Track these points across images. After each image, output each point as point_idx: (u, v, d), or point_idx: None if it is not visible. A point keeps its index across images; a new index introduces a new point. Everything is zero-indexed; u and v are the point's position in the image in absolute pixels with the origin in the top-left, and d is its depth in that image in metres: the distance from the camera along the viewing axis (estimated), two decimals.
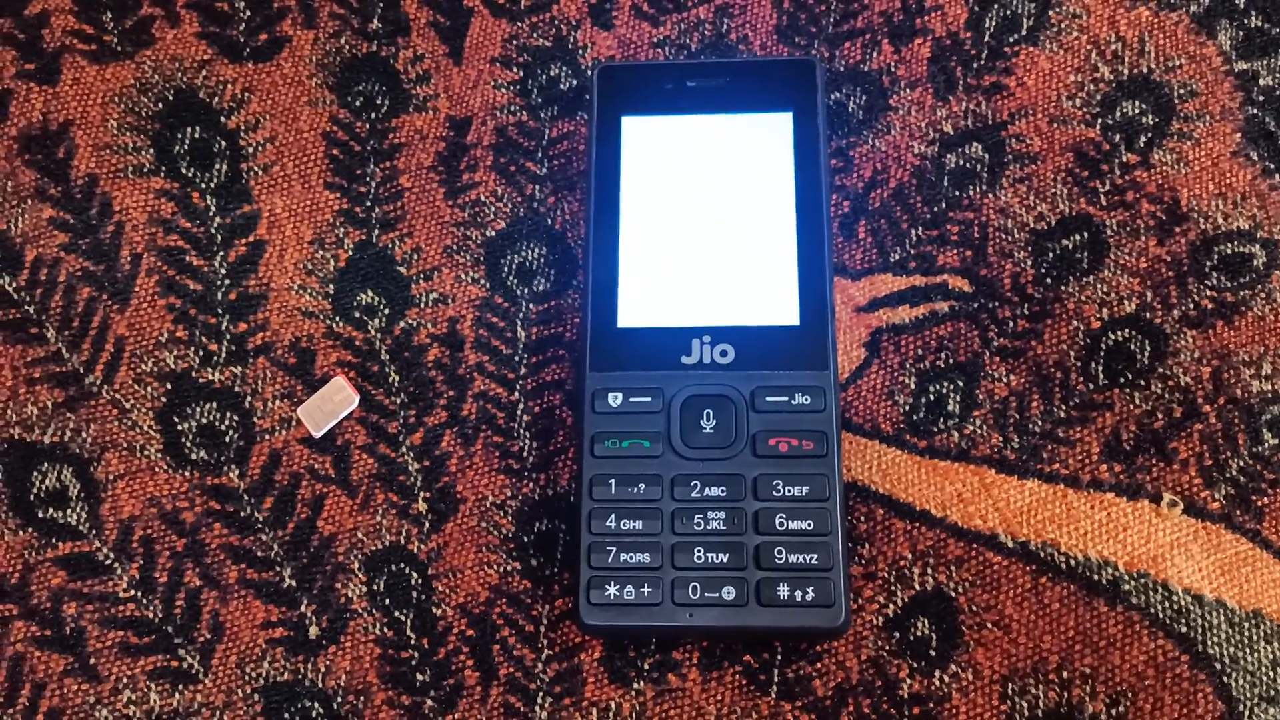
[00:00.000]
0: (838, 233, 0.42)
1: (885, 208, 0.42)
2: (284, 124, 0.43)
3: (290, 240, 0.42)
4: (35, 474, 0.39)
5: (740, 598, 0.35)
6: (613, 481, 0.36)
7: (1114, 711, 0.35)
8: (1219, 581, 0.36)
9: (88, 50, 0.44)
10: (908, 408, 0.39)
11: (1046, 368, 0.39)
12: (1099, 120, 0.42)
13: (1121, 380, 0.39)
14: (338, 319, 0.41)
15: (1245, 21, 0.44)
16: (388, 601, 0.38)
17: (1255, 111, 0.43)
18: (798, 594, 0.34)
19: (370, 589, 0.38)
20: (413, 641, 0.37)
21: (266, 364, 0.40)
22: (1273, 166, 0.42)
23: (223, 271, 0.41)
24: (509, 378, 0.40)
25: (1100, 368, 0.39)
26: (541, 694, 0.36)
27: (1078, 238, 0.41)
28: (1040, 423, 0.39)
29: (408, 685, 0.37)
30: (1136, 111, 0.43)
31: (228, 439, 0.39)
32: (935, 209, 0.42)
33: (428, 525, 0.38)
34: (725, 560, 0.35)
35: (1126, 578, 0.36)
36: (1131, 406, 0.39)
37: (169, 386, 0.40)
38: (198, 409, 0.40)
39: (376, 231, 0.42)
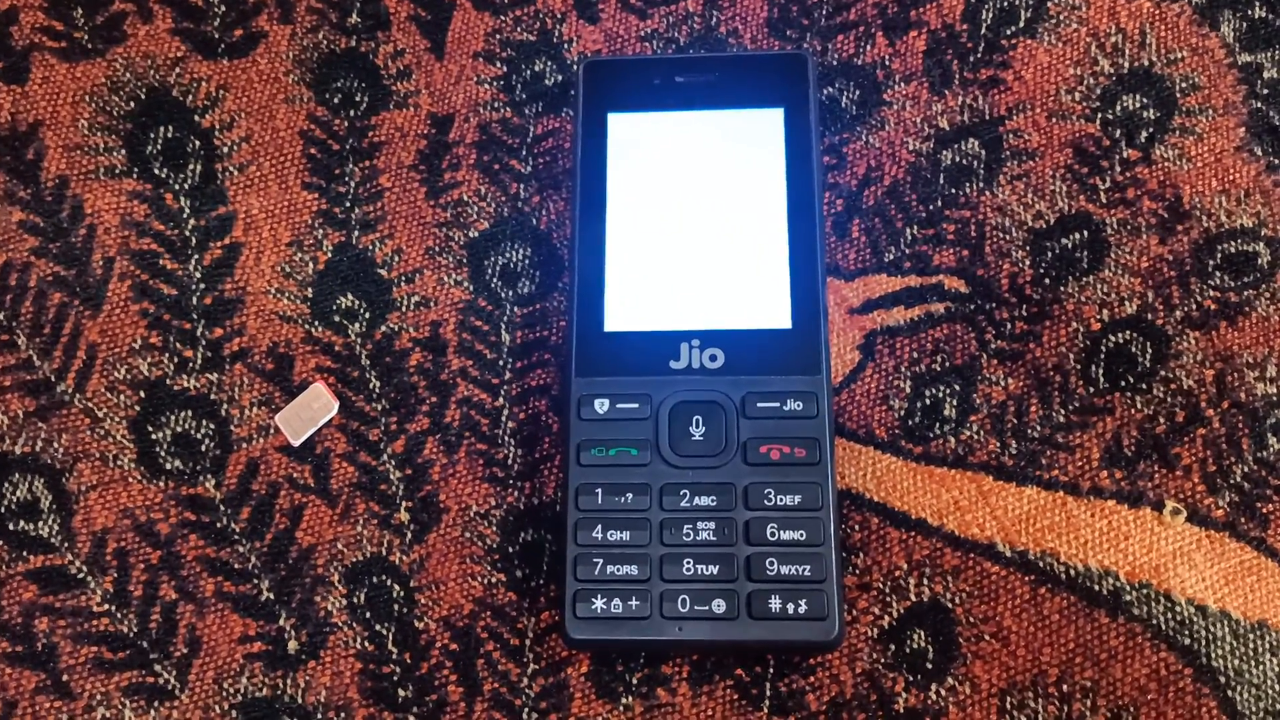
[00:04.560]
0: (831, 232, 0.40)
1: (879, 206, 0.41)
2: (260, 122, 0.42)
3: (267, 242, 0.41)
4: (6, 485, 0.38)
5: (731, 611, 0.34)
6: (599, 491, 0.35)
7: None
8: (1223, 591, 0.35)
9: (57, 48, 0.43)
10: (903, 412, 0.38)
11: (1045, 371, 0.38)
12: (1099, 115, 0.41)
13: (1122, 384, 0.38)
14: (317, 323, 0.40)
15: (1249, 12, 0.43)
16: (369, 615, 0.36)
17: (1259, 105, 0.42)
18: (790, 607, 0.33)
19: (351, 602, 0.37)
20: (394, 656, 0.36)
21: (243, 370, 0.39)
22: (1277, 162, 0.41)
23: (197, 275, 0.40)
24: (493, 383, 0.39)
25: (1100, 371, 0.38)
26: (527, 710, 0.35)
27: (1077, 236, 0.40)
28: (1039, 428, 0.38)
29: (389, 701, 0.36)
30: (1137, 106, 0.41)
31: (203, 448, 0.38)
32: (931, 207, 0.40)
33: (410, 536, 0.37)
34: (715, 572, 0.34)
35: (1128, 588, 0.35)
36: (1133, 411, 0.38)
37: (143, 394, 0.39)
38: (172, 417, 0.39)
39: (356, 233, 0.41)
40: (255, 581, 0.37)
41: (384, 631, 0.36)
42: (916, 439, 0.38)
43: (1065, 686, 0.34)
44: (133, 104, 0.42)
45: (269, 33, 0.43)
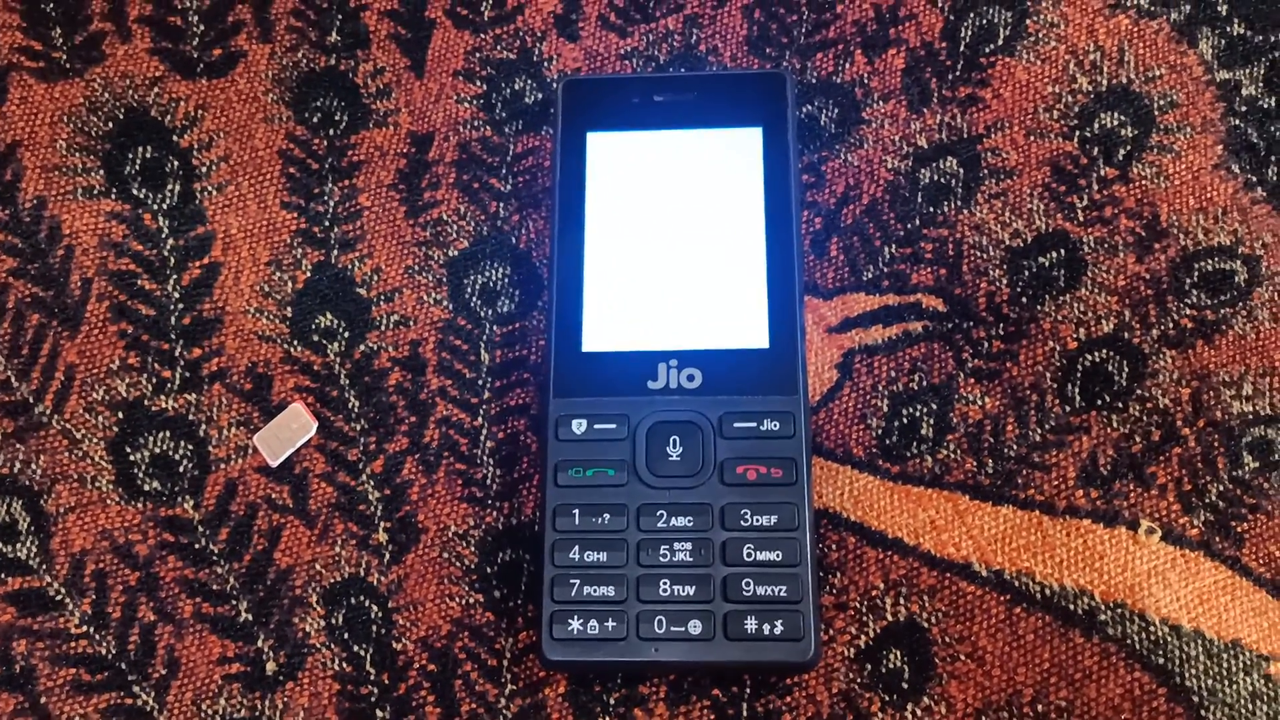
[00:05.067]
0: (809, 251, 0.41)
1: (858, 224, 0.41)
2: (239, 142, 0.42)
3: (246, 262, 0.41)
4: None
5: (707, 632, 0.34)
6: (576, 512, 0.35)
7: None
8: (1197, 611, 0.35)
9: (35, 68, 0.43)
10: (880, 431, 0.38)
11: (1022, 390, 0.38)
12: (1077, 133, 0.41)
13: (1099, 402, 0.38)
14: (296, 343, 0.40)
15: (1227, 29, 0.43)
16: (347, 636, 0.37)
17: (1237, 122, 0.42)
18: (766, 627, 0.34)
19: (329, 623, 0.37)
20: (372, 677, 0.36)
21: (222, 390, 0.39)
22: (1255, 179, 0.41)
23: (176, 295, 0.40)
24: (472, 403, 0.39)
25: (1077, 390, 0.38)
26: None
27: (1054, 255, 0.40)
28: (1015, 447, 0.38)
29: None
30: (1115, 123, 0.42)
31: (182, 469, 0.38)
32: (909, 226, 0.41)
33: (388, 556, 0.37)
34: (692, 593, 0.34)
35: (1103, 608, 0.35)
36: (1109, 430, 0.38)
37: (121, 415, 0.39)
38: (151, 438, 0.39)
39: (335, 252, 0.41)
40: (234, 602, 0.37)
41: (362, 652, 0.36)
42: (894, 458, 0.38)
43: (1040, 706, 0.35)
44: (111, 124, 0.42)
45: (248, 52, 0.43)
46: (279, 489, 0.38)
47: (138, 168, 0.42)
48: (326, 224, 0.41)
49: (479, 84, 0.43)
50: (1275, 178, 0.41)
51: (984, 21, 0.43)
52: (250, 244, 0.41)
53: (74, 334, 0.40)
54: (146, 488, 0.38)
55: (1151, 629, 0.35)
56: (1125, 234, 0.40)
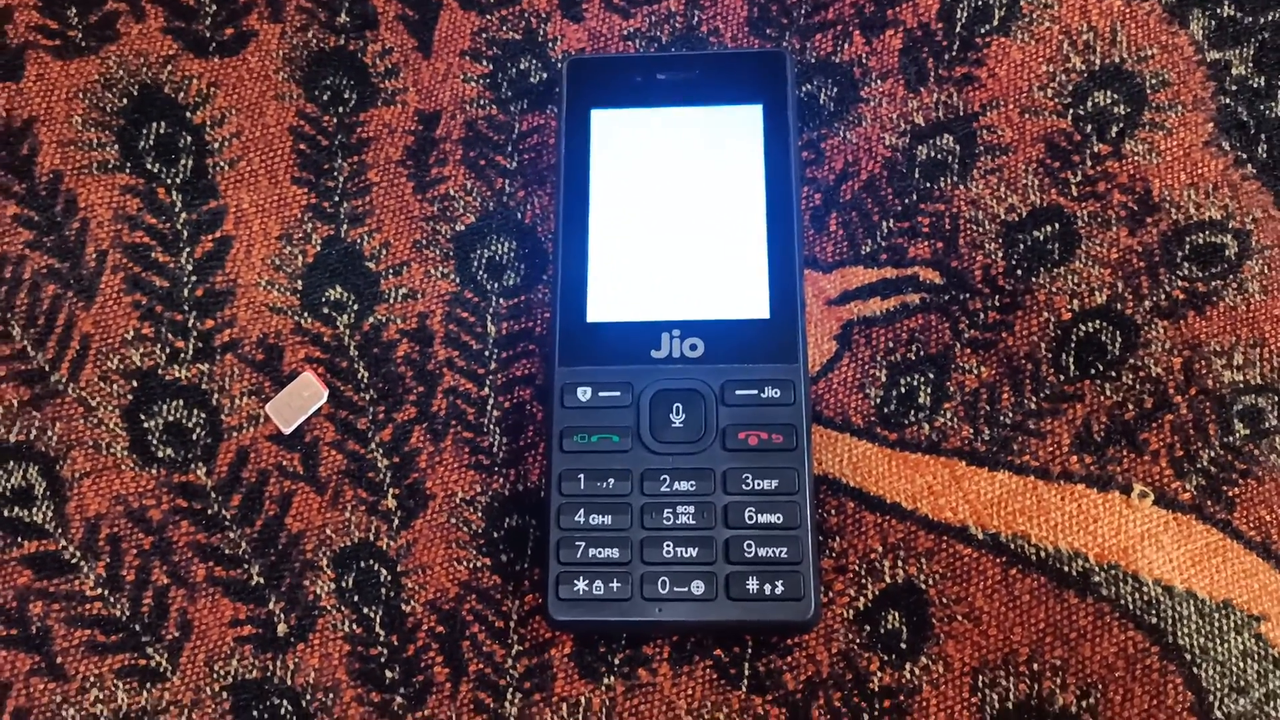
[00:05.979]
0: (809, 225, 0.41)
1: (856, 200, 0.42)
2: (250, 119, 0.43)
3: (257, 236, 0.42)
4: (0, 473, 0.39)
5: (709, 592, 0.34)
6: (581, 476, 0.36)
7: (1084, 703, 0.35)
8: (1189, 572, 0.36)
9: (51, 46, 0.44)
10: (879, 400, 0.39)
11: (1017, 359, 0.39)
12: (1070, 111, 0.42)
13: (1092, 371, 0.39)
14: (306, 315, 0.41)
15: (1218, 10, 0.44)
16: (356, 598, 0.37)
17: (1227, 101, 0.43)
18: (767, 588, 0.34)
19: (339, 586, 0.37)
20: (382, 638, 0.37)
21: (234, 361, 0.40)
22: (1245, 156, 0.42)
23: (189, 268, 0.41)
24: (479, 373, 0.40)
25: (1071, 359, 0.39)
26: (511, 690, 0.36)
27: (1049, 229, 0.41)
28: (1011, 414, 0.39)
29: (377, 682, 0.36)
30: (1108, 101, 0.42)
31: (195, 436, 0.39)
32: (906, 201, 0.41)
33: (397, 522, 0.38)
34: (694, 555, 0.35)
35: (1097, 569, 0.36)
36: (1102, 398, 0.39)
37: (135, 384, 0.40)
38: (164, 406, 0.39)
39: (345, 226, 0.42)
40: (245, 566, 0.38)
41: (371, 614, 0.37)
42: (892, 426, 0.39)
43: (1035, 665, 0.35)
44: (125, 101, 0.43)
45: (259, 31, 0.44)
46: (290, 456, 0.39)
47: (152, 143, 0.43)
48: (336, 199, 0.42)
49: (485, 64, 0.44)
50: (1264, 155, 0.42)
51: (979, 3, 0.44)
52: (261, 218, 0.42)
53: (89, 305, 0.41)
54: (160, 454, 0.39)
55: (1145, 589, 0.36)
56: (1118, 208, 0.41)
